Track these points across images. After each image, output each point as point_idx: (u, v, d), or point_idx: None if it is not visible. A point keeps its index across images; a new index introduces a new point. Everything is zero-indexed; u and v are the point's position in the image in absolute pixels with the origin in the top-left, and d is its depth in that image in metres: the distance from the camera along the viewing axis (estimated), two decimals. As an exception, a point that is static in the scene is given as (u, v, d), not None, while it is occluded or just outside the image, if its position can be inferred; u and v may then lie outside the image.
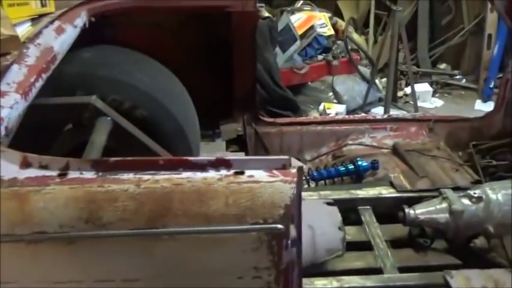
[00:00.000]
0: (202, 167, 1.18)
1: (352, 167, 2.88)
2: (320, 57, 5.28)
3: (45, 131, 2.38)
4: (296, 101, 4.66)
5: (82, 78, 2.39)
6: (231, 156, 2.94)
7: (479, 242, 2.34)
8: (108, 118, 2.25)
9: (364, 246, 2.42)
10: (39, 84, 1.74)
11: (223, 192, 1.13)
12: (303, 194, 2.55)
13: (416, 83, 5.68)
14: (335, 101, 5.04)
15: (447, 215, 2.35)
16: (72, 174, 1.17)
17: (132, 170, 1.17)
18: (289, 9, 5.56)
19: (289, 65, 4.98)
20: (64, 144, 2.41)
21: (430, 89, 5.75)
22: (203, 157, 1.19)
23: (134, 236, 1.11)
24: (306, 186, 2.88)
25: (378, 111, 5.13)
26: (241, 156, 3.04)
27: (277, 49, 4.82)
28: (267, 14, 5.16)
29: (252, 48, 2.97)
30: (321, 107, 4.78)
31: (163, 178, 1.15)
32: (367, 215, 2.59)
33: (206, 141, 3.21)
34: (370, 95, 5.26)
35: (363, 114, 4.90)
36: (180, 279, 1.14)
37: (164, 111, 2.54)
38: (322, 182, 2.93)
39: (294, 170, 1.17)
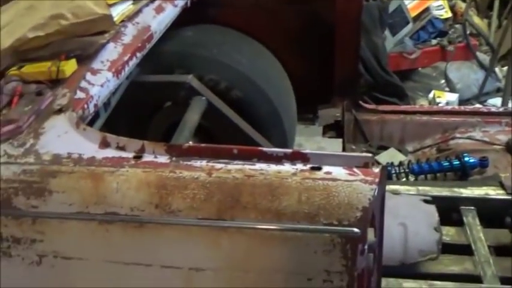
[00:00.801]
0: (277, 159, 1.11)
1: (458, 162, 2.67)
2: (434, 41, 4.94)
3: (146, 107, 2.45)
4: (403, 88, 4.42)
5: (181, 57, 2.43)
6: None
7: None
8: (203, 98, 2.26)
9: (464, 250, 2.24)
10: (133, 62, 1.77)
11: (297, 188, 1.06)
12: (400, 188, 2.47)
13: (543, 72, 5.16)
14: (447, 89, 4.71)
15: (563, 226, 2.10)
16: (147, 158, 1.16)
17: (205, 157, 1.14)
18: (403, -11, 5.27)
19: (399, 49, 4.72)
20: (162, 121, 2.48)
21: (559, 81, 5.19)
22: (279, 149, 1.13)
23: (201, 226, 1.07)
24: (404, 179, 2.72)
25: (495, 103, 4.72)
26: (336, 142, 2.95)
27: (387, 32, 4.59)
28: (379, -5, 4.93)
29: (356, 32, 2.84)
30: (431, 95, 4.49)
31: (236, 168, 1.10)
32: (470, 217, 2.39)
33: (306, 124, 3.16)
34: (488, 85, 4.85)
35: (478, 105, 4.54)
36: (246, 274, 1.10)
37: (260, 94, 2.51)
38: (423, 176, 2.75)
39: (376, 170, 1.07)
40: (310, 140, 3.06)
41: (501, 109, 3.21)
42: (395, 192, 2.39)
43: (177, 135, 2.01)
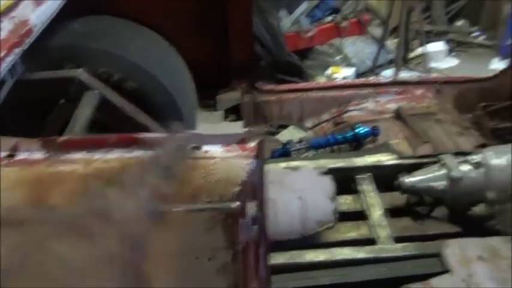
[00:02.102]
0: (156, 144, 1.12)
1: (351, 133, 2.80)
2: (328, 18, 5.12)
3: (38, 106, 2.35)
4: (302, 66, 4.55)
5: (70, 51, 2.35)
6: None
7: (479, 209, 2.27)
8: (96, 92, 2.21)
9: (360, 216, 2.36)
10: (11, 59, 1.69)
11: (175, 170, 1.08)
12: (300, 163, 2.55)
13: (430, 42, 5.50)
14: (344, 64, 4.91)
15: (445, 182, 2.27)
16: (22, 155, 1.13)
17: (82, 148, 1.12)
18: (296, -31, 5.39)
19: (296, 28, 4.84)
20: (57, 120, 2.39)
21: (444, 48, 5.54)
22: (158, 134, 1.14)
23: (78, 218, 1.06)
24: (304, 155, 2.81)
25: (389, 74, 4.97)
26: (238, 125, 2.99)
27: (283, 12, 4.68)
28: (272, -24, 5.00)
29: (247, 14, 2.87)
30: (329, 72, 4.66)
31: (113, 157, 1.10)
32: (365, 184, 2.52)
33: (209, 111, 3.17)
34: (381, 57, 5.11)
35: (372, 77, 4.76)
36: (137, 260, 1.10)
37: (155, 83, 2.49)
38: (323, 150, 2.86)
39: (253, 144, 1.11)
40: (214, 126, 3.07)
41: (390, 79, 3.38)
42: (294, 168, 2.47)
43: (67, 133, 1.95)
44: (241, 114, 3.03)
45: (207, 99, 3.11)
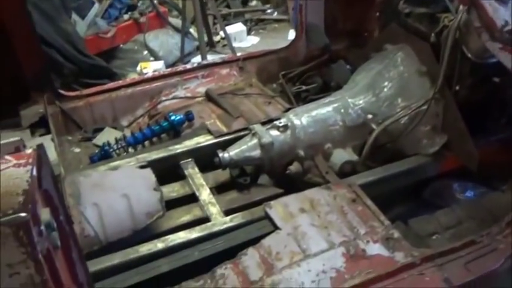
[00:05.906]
0: None
1: (166, 123, 2.79)
2: (126, 16, 5.02)
3: None
4: (109, 67, 4.42)
5: None
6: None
7: (294, 167, 2.43)
8: None
9: (190, 199, 2.38)
10: None
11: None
12: (121, 162, 2.48)
13: (229, 24, 5.72)
14: (152, 58, 4.87)
15: (259, 150, 2.38)
16: None
17: None
18: (83, -29, 5.20)
19: (94, 30, 4.67)
20: None
21: (244, 28, 5.80)
22: None
23: None
24: (124, 153, 2.75)
25: (198, 60, 5.06)
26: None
27: (75, 16, 4.49)
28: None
29: (26, 21, 2.68)
30: (138, 68, 4.60)
31: None
32: (190, 168, 2.54)
33: (17, 130, 2.92)
34: (187, 45, 5.18)
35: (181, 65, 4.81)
36: None
37: None
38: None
39: (29, 151, 1.04)
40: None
41: (195, 64, 3.43)
42: (114, 168, 2.41)
43: None
44: (49, 127, 2.84)
45: (10, 117, 2.87)
